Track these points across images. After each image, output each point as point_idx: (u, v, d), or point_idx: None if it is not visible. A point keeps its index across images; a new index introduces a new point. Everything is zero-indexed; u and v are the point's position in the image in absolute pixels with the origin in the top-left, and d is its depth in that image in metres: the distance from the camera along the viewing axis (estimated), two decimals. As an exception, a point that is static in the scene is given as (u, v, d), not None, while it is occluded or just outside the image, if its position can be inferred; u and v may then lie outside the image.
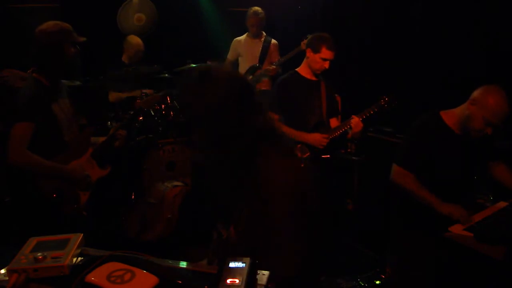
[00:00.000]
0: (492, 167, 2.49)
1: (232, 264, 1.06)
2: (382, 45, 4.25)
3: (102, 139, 2.71)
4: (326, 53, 3.00)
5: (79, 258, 1.28)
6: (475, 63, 3.34)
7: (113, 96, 4.25)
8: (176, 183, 3.77)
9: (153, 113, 3.96)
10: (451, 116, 2.36)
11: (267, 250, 1.43)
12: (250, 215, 1.48)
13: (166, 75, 4.38)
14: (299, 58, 3.41)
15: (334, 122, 3.29)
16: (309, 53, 3.09)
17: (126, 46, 4.44)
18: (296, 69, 3.24)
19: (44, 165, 2.29)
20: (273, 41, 4.62)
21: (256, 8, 4.51)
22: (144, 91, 4.05)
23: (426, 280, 2.25)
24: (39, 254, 1.22)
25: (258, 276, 1.10)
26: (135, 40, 4.44)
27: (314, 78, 3.18)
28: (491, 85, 2.23)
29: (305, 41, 3.86)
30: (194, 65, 4.61)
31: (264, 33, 4.63)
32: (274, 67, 4.33)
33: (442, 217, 2.16)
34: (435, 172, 2.32)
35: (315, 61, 3.05)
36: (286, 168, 1.47)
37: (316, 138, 3.06)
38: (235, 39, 4.74)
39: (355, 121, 3.05)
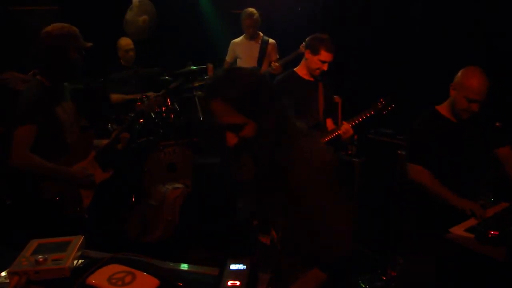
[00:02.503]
0: (498, 155, 2.53)
1: (233, 266, 1.07)
2: (382, 45, 4.25)
3: (104, 141, 2.71)
4: (325, 55, 2.98)
5: (80, 261, 1.29)
6: (475, 63, 3.34)
7: (113, 98, 4.26)
8: (176, 185, 3.77)
9: (153, 115, 3.97)
10: (445, 108, 2.52)
11: (313, 239, 1.44)
12: (287, 215, 1.49)
13: (166, 77, 4.39)
14: (299, 59, 3.41)
15: (330, 123, 3.28)
16: (307, 55, 3.07)
17: (118, 48, 4.48)
18: (294, 69, 3.23)
19: (46, 167, 2.29)
20: (271, 40, 4.59)
21: (250, 9, 4.48)
22: (145, 94, 4.05)
23: (427, 281, 2.24)
24: (40, 256, 1.23)
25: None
26: (123, 41, 4.46)
27: (311, 79, 3.17)
28: (467, 67, 2.40)
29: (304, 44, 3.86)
30: (194, 67, 4.62)
31: (261, 34, 4.61)
32: (278, 64, 4.26)
33: (445, 219, 2.16)
34: (443, 165, 2.38)
35: (313, 63, 3.04)
36: (311, 154, 1.48)
37: None
38: (232, 41, 4.73)
39: (344, 128, 3.05)
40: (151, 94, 4.10)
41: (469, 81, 2.31)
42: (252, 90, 1.44)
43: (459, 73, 2.40)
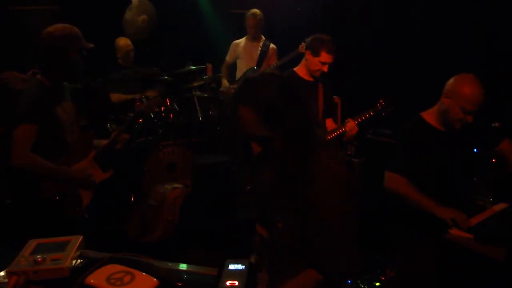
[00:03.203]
0: (498, 150, 2.44)
1: (231, 266, 1.06)
2: (382, 45, 4.25)
3: (104, 141, 2.71)
4: (325, 57, 2.96)
5: (79, 260, 1.28)
6: (475, 63, 3.34)
7: (113, 98, 4.27)
8: (176, 185, 3.77)
9: (152, 115, 3.97)
10: (431, 115, 2.39)
11: (317, 248, 1.44)
12: (295, 216, 1.48)
13: (166, 77, 4.39)
14: (297, 59, 3.40)
15: (330, 123, 3.27)
16: (308, 55, 3.06)
17: (117, 49, 4.47)
18: (294, 69, 3.22)
19: (47, 167, 2.28)
20: (272, 45, 4.62)
21: (255, 10, 4.52)
22: (145, 95, 4.06)
23: (427, 281, 2.24)
24: (38, 256, 1.22)
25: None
26: (122, 41, 4.46)
27: (311, 79, 3.16)
28: (461, 74, 2.26)
29: (303, 44, 3.86)
30: (193, 67, 4.62)
31: (263, 37, 4.63)
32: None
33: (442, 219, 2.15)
34: (430, 174, 2.31)
35: (314, 64, 3.02)
36: (332, 166, 1.48)
37: None
38: (234, 41, 4.74)
39: (351, 125, 3.02)
40: (150, 93, 4.11)
41: (467, 91, 2.17)
42: (283, 100, 1.42)
43: (453, 81, 2.25)
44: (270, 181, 1.53)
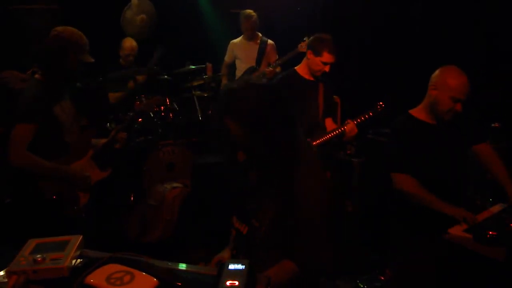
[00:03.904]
0: (477, 152, 2.46)
1: (231, 266, 1.06)
2: (382, 45, 4.25)
3: (102, 140, 2.71)
4: (327, 57, 2.95)
5: (79, 260, 1.28)
6: (475, 63, 3.34)
7: (112, 97, 4.26)
8: (175, 184, 3.77)
9: (152, 115, 3.96)
10: (420, 111, 2.43)
11: (296, 246, 1.49)
12: (278, 214, 1.52)
13: (165, 76, 4.39)
14: (298, 58, 3.40)
15: (329, 123, 3.26)
16: (309, 55, 3.05)
17: (120, 47, 4.48)
18: (295, 68, 3.22)
19: (45, 166, 2.29)
20: (270, 41, 4.58)
21: (248, 11, 4.46)
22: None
23: (427, 281, 2.24)
24: (38, 255, 1.22)
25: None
26: (127, 43, 4.45)
27: (312, 78, 3.16)
28: (445, 66, 2.34)
29: (302, 43, 3.85)
30: (193, 67, 4.61)
31: (260, 34, 4.60)
32: (271, 69, 4.28)
33: (441, 219, 2.16)
34: (428, 168, 2.32)
35: (315, 64, 3.02)
36: (317, 176, 1.54)
37: None
38: (231, 41, 4.72)
39: (350, 126, 3.01)
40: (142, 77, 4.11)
41: (454, 81, 2.24)
42: (265, 113, 1.44)
43: (439, 73, 2.33)
44: (256, 181, 1.58)
